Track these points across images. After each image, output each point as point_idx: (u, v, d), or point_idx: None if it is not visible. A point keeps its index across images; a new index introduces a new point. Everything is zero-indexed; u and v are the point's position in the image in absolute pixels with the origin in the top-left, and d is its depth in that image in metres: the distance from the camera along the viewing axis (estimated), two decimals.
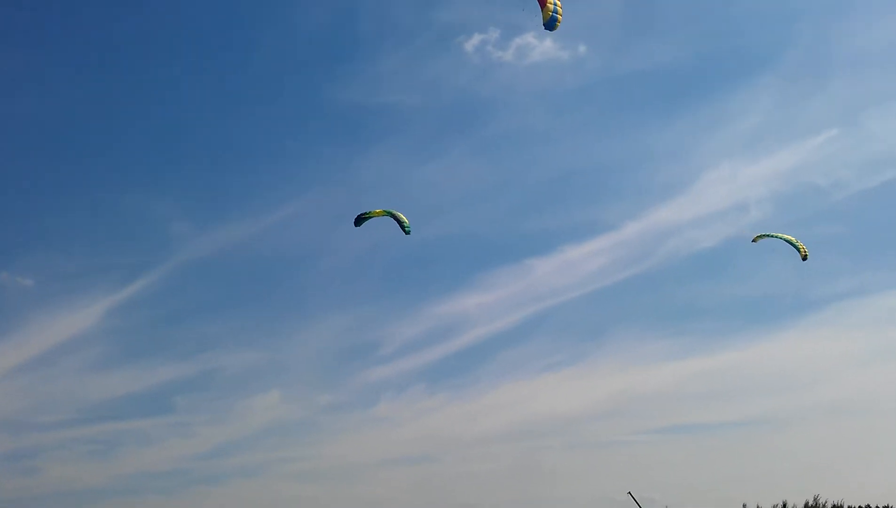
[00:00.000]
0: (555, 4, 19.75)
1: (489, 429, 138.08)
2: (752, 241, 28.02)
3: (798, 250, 27.02)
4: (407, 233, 26.14)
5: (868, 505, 35.36)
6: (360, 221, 26.53)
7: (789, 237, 27.38)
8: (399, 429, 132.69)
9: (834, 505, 34.98)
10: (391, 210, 26.20)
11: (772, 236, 27.56)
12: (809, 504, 35.12)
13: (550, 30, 20.24)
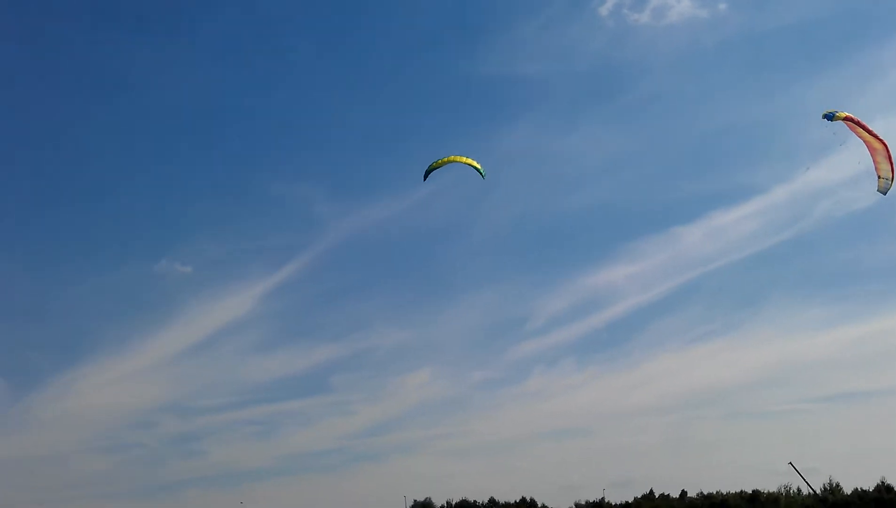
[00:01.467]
0: None
1: (642, 401, 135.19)
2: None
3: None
4: (483, 176, 24.99)
5: None
6: (427, 173, 25.11)
7: None
8: (551, 403, 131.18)
9: None
10: (460, 157, 24.69)
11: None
12: None
13: None
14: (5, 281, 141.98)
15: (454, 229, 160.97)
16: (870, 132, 25.27)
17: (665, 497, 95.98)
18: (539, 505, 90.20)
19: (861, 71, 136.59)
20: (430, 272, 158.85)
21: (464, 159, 24.12)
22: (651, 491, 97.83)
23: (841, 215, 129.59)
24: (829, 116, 24.91)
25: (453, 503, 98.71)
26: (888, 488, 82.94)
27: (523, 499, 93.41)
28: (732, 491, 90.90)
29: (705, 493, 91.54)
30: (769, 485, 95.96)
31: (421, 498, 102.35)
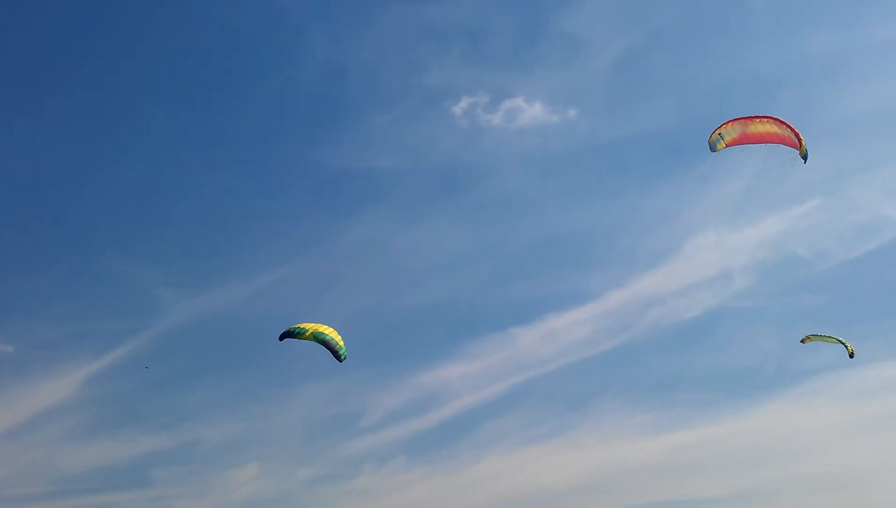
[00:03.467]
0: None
1: (472, 503, 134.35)
2: (801, 341, 27.56)
3: (846, 347, 27.02)
4: (342, 360, 21.81)
5: None
6: (285, 336, 21.97)
7: (838, 338, 27.20)
8: (379, 502, 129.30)
9: None
10: (322, 333, 21.70)
11: (821, 337, 27.29)
12: None
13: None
14: None
15: (293, 320, 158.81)
16: (759, 119, 23.51)
17: None
18: None
19: (696, 181, 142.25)
20: (268, 364, 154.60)
21: (325, 337, 21.62)
22: None
23: (669, 324, 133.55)
24: (713, 147, 23.82)
25: None
26: None
27: None
28: None
29: None
30: None
31: None
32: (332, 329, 21.81)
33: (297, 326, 21.49)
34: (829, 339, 27.44)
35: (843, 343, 27.16)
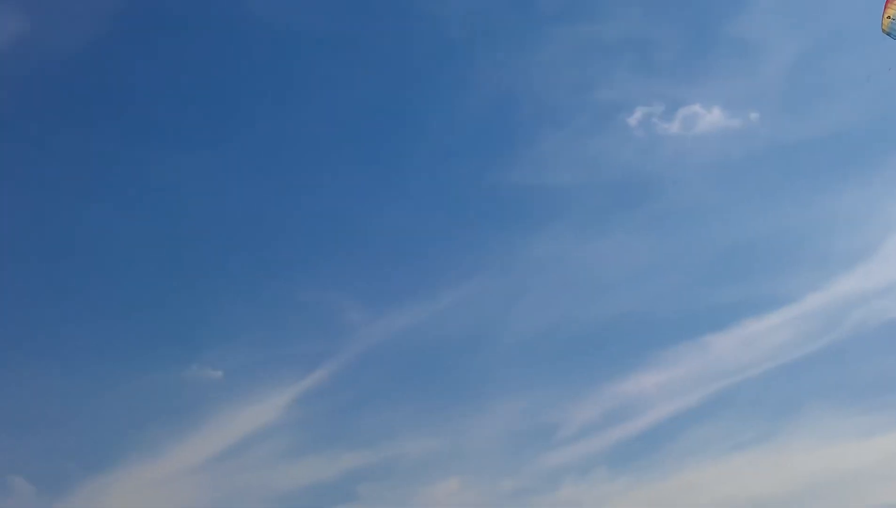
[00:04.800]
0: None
1: None
2: None
3: None
4: None
5: None
6: None
7: None
8: None
9: None
10: None
11: None
12: None
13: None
14: (39, 389, 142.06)
15: (483, 336, 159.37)
16: None
17: None
18: None
19: (891, 176, 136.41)
20: (458, 380, 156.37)
21: None
22: None
23: (875, 324, 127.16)
24: (893, 33, 22.63)
25: None
26: None
27: None
28: None
29: None
30: None
31: None
32: None
33: None
34: None
35: None
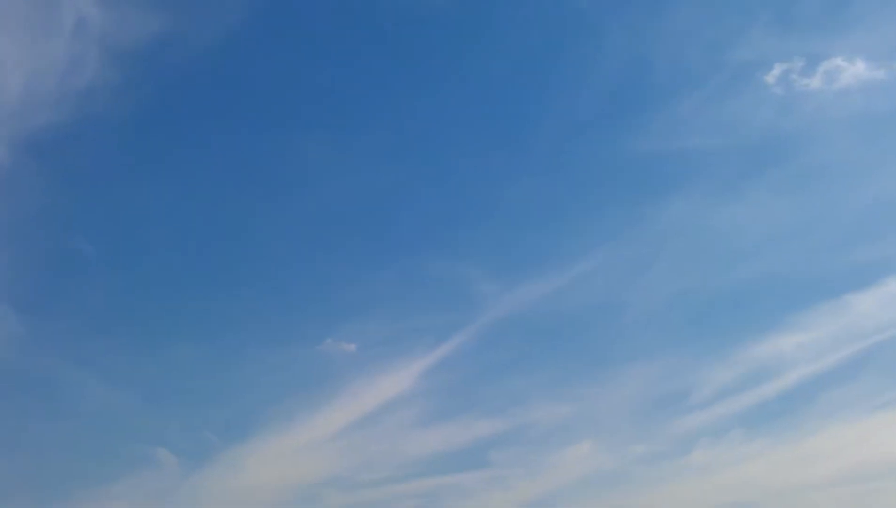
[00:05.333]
0: None
1: (816, 474, 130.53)
2: None
3: None
4: None
5: None
6: None
7: None
8: (717, 477, 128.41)
9: None
10: None
11: None
12: None
13: None
14: (182, 364, 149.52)
15: (614, 304, 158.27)
16: None
17: None
18: None
19: None
20: (590, 347, 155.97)
21: None
22: None
23: None
24: None
25: None
26: None
27: None
28: None
29: None
30: None
31: None
32: None
33: None
34: None
35: None
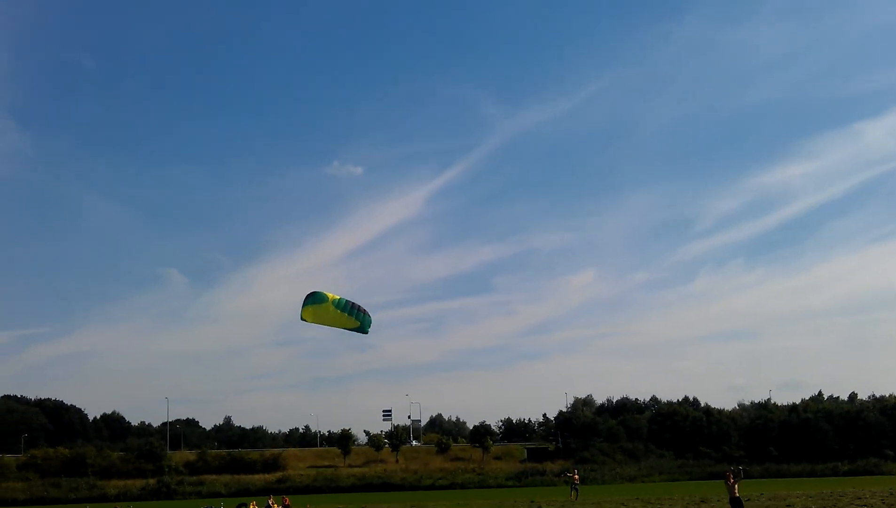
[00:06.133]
0: None
1: (814, 303, 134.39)
2: None
3: None
4: (365, 332, 18.06)
5: None
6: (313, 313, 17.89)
7: None
8: (718, 304, 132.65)
9: None
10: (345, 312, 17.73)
11: None
12: None
13: None
14: (189, 187, 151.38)
15: (620, 129, 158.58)
16: None
17: (834, 400, 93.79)
18: (702, 405, 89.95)
19: None
20: (594, 173, 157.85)
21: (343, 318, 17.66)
22: (819, 393, 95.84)
23: None
24: None
25: (614, 400, 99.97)
26: None
27: (686, 398, 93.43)
28: None
29: (877, 395, 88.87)
30: None
31: (582, 395, 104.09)
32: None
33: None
34: None
35: None
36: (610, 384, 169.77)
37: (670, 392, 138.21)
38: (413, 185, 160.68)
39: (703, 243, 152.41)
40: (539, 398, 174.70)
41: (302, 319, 17.64)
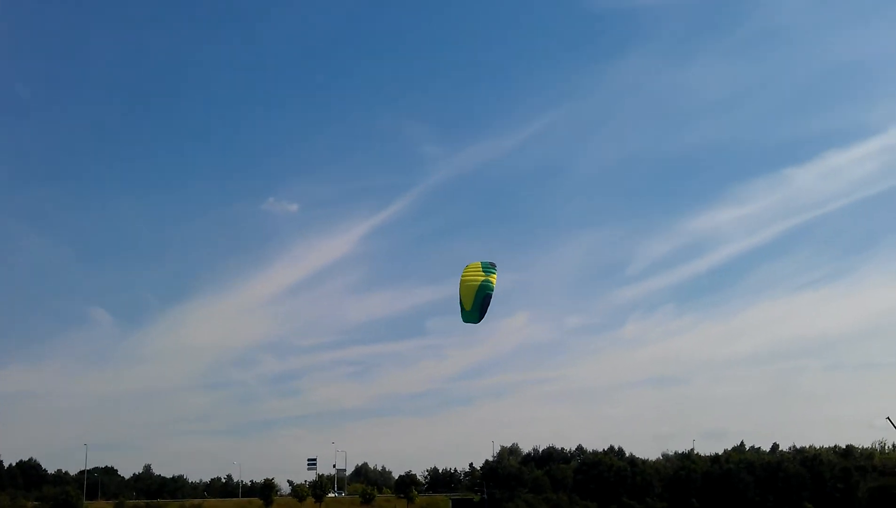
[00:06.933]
0: None
1: (741, 350, 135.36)
2: None
3: None
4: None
5: None
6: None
7: None
8: (646, 350, 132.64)
9: None
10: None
11: None
12: None
13: None
14: (117, 221, 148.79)
15: (559, 169, 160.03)
16: None
17: (756, 450, 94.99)
18: (626, 455, 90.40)
19: None
20: (532, 214, 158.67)
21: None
22: (742, 444, 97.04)
23: None
24: None
25: (540, 449, 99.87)
26: None
27: (611, 447, 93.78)
28: (826, 446, 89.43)
29: (798, 447, 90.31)
30: (864, 440, 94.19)
31: (509, 444, 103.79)
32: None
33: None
34: None
35: None
36: (539, 430, 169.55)
37: (597, 440, 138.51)
38: (349, 222, 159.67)
39: (634, 288, 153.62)
40: (467, 444, 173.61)
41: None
